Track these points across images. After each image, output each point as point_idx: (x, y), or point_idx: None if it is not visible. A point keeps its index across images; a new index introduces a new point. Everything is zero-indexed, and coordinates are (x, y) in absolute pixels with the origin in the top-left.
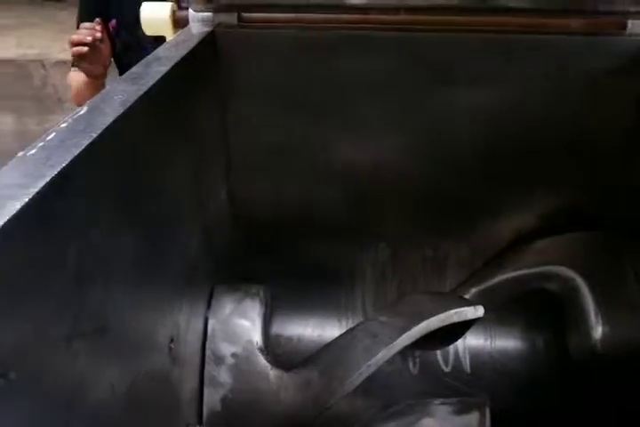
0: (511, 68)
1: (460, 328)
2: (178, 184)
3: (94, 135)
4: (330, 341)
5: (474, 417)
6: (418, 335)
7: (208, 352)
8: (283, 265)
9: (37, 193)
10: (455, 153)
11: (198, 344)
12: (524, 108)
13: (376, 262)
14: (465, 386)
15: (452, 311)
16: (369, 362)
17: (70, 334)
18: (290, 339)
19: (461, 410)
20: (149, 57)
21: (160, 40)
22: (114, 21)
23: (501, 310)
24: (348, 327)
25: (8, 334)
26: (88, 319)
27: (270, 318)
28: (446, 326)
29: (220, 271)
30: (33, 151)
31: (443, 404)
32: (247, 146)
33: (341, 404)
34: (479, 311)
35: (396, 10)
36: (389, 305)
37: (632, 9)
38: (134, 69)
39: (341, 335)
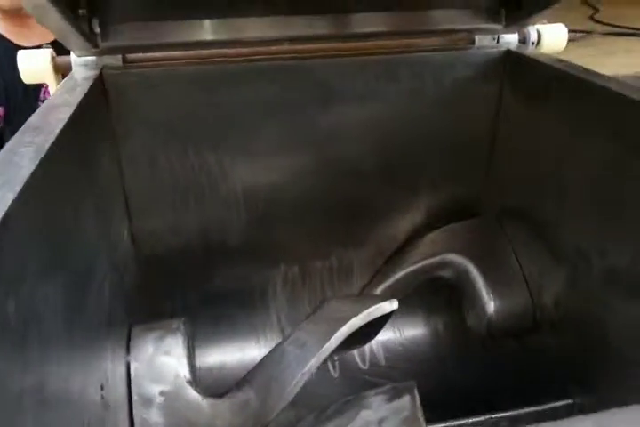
0: (388, 85)
1: (376, 324)
2: (90, 229)
3: (17, 188)
4: (257, 361)
5: (405, 400)
6: (344, 336)
7: (135, 396)
8: (192, 296)
9: None
10: (347, 166)
11: (124, 389)
12: (403, 119)
13: (286, 280)
14: (382, 379)
15: (371, 308)
16: (302, 371)
17: (20, 392)
18: (210, 369)
19: (393, 396)
20: (45, 106)
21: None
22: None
23: (404, 303)
24: (267, 347)
25: None
26: (31, 376)
27: (194, 351)
28: (365, 324)
29: (134, 312)
30: None
31: (376, 394)
32: (143, 183)
33: (278, 418)
34: (394, 304)
35: (279, 41)
36: (311, 314)
37: (476, 26)
38: (33, 119)
39: (271, 352)
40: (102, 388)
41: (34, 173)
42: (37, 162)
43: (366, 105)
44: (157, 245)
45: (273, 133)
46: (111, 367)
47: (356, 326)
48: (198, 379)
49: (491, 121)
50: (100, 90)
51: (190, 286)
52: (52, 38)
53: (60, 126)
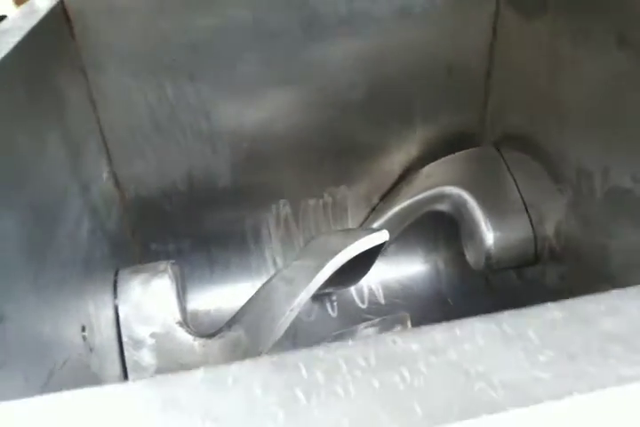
0: (374, 3)
1: (368, 258)
2: (54, 167)
3: None
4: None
5: (397, 330)
6: (333, 269)
7: (125, 338)
8: (184, 240)
9: None
10: (335, 98)
11: (113, 333)
12: (393, 43)
13: (279, 220)
14: (382, 317)
15: (360, 240)
16: (291, 306)
17: None
18: (207, 312)
19: (385, 328)
20: None
21: None
22: None
23: (400, 239)
24: None
25: None
26: None
27: (184, 293)
28: (356, 259)
29: (119, 255)
30: None
31: (368, 327)
32: (119, 120)
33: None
34: (384, 235)
35: None
36: (299, 250)
37: None
38: None
39: (259, 289)
40: (84, 329)
41: None
42: None
43: (352, 29)
44: (141, 187)
45: (251, 65)
46: (94, 311)
47: (345, 259)
48: (193, 322)
49: (487, 40)
50: (61, 16)
51: (181, 230)
52: None
53: (10, 48)
